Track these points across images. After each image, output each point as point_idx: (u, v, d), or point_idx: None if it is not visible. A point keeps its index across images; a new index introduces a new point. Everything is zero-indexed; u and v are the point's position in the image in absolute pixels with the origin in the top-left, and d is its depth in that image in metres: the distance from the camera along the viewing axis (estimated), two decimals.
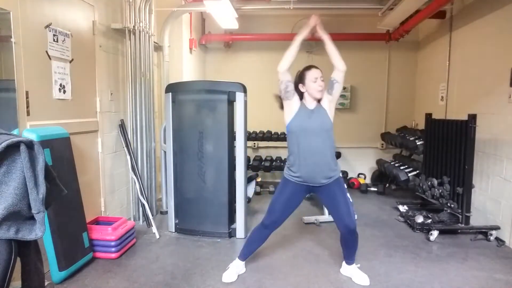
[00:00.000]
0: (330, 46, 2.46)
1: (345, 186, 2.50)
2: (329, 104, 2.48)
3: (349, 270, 2.69)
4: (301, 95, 2.50)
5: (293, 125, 2.45)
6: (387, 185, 5.52)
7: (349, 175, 5.84)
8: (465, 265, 2.91)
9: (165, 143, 3.81)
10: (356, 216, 4.02)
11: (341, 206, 2.49)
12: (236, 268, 2.70)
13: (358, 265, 2.69)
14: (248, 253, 2.73)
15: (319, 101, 2.48)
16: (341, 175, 2.57)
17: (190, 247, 3.24)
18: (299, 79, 2.48)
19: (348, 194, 2.61)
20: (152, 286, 2.52)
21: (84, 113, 3.10)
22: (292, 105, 2.47)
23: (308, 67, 2.49)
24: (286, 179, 2.55)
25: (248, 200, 3.91)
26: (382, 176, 5.63)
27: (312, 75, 2.44)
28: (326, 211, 3.96)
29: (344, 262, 2.73)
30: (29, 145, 1.46)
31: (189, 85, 3.75)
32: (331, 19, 5.69)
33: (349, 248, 2.64)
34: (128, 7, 3.62)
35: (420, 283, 2.60)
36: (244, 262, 2.75)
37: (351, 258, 2.67)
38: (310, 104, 2.48)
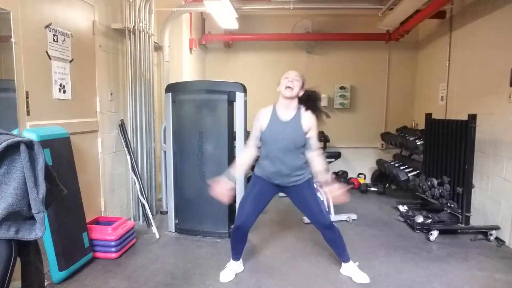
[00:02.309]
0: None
1: (315, 186, 2.54)
2: (309, 130, 2.44)
3: (349, 269, 2.69)
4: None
5: (265, 136, 2.45)
6: (387, 185, 5.52)
7: (349, 175, 5.84)
8: (465, 265, 2.91)
9: (165, 143, 3.81)
10: (355, 216, 4.05)
11: (311, 205, 2.52)
12: (233, 267, 2.71)
13: (357, 263, 2.70)
14: (237, 254, 2.72)
15: (300, 115, 2.44)
16: (310, 175, 2.57)
17: (190, 247, 3.24)
18: (278, 83, 2.48)
19: (317, 194, 2.63)
20: (152, 286, 2.52)
21: (84, 113, 3.10)
22: (262, 121, 2.46)
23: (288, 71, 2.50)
24: (256, 176, 2.57)
25: None
26: (382, 176, 5.63)
27: (285, 74, 2.44)
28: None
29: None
30: (29, 145, 1.46)
31: (189, 85, 3.75)
32: (331, 19, 5.70)
33: (335, 245, 2.66)
34: (128, 7, 3.63)
35: (420, 283, 2.60)
36: (239, 261, 2.75)
37: (344, 255, 2.68)
38: (285, 112, 2.44)
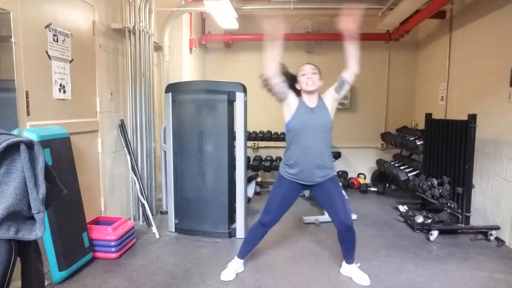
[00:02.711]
0: (352, 47, 2.40)
1: (340, 184, 2.52)
2: (332, 102, 2.49)
3: (349, 270, 2.69)
4: (299, 92, 2.50)
5: (293, 123, 2.45)
6: (387, 185, 5.52)
7: (349, 175, 5.84)
8: (465, 265, 2.91)
9: (165, 143, 3.81)
10: (355, 216, 4.05)
11: (337, 203, 2.50)
12: (234, 266, 2.71)
13: (358, 265, 2.69)
14: (247, 252, 2.74)
15: (321, 98, 2.47)
16: (335, 173, 2.58)
17: (190, 247, 3.24)
18: (296, 79, 2.49)
19: (343, 191, 2.62)
20: (152, 286, 2.52)
21: (84, 113, 3.10)
22: (290, 103, 2.46)
23: (303, 65, 2.51)
24: (281, 177, 2.56)
25: (248, 200, 3.91)
26: (382, 176, 5.63)
27: (302, 70, 2.46)
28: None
29: (344, 262, 2.73)
30: (29, 145, 1.46)
31: (189, 85, 3.75)
32: (331, 19, 5.68)
33: (347, 246, 2.65)
34: (128, 7, 3.63)
35: (420, 283, 2.60)
36: (242, 260, 2.76)
37: (351, 257, 2.68)
38: (310, 101, 2.47)
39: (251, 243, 2.72)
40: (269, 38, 2.35)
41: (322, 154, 2.44)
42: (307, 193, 2.61)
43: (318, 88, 2.47)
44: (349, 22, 2.29)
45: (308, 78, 2.41)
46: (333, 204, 2.52)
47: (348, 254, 2.67)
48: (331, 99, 2.48)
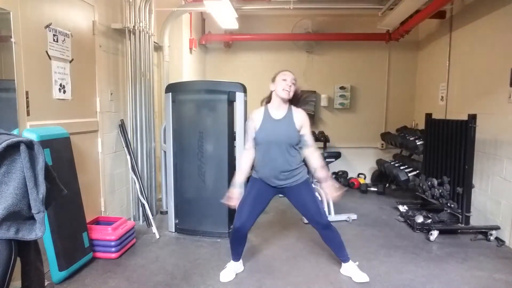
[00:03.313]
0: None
1: (313, 186, 2.56)
2: (301, 128, 2.48)
3: (348, 269, 2.69)
4: (269, 99, 2.52)
5: (258, 136, 2.48)
6: (387, 185, 5.52)
7: (349, 175, 5.84)
8: (465, 265, 2.91)
9: (165, 143, 3.81)
10: (355, 216, 4.05)
11: (309, 205, 2.53)
12: (233, 267, 2.71)
13: (357, 263, 2.70)
14: (237, 254, 2.73)
15: (292, 113, 2.47)
16: (307, 176, 2.58)
17: (190, 247, 3.24)
18: (272, 79, 2.50)
19: (316, 193, 2.63)
20: (152, 286, 2.52)
21: (84, 113, 3.10)
22: (256, 124, 2.49)
23: (284, 70, 2.51)
24: (253, 178, 2.59)
25: None
26: (382, 176, 5.63)
27: (283, 75, 2.46)
28: (326, 211, 3.97)
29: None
30: (29, 145, 1.46)
31: (189, 85, 3.75)
32: (331, 19, 5.70)
33: (334, 244, 2.66)
34: (128, 7, 3.63)
35: (420, 283, 2.60)
36: (239, 261, 2.75)
37: (343, 255, 2.68)
38: (278, 111, 2.48)
39: (237, 247, 2.70)
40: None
41: (285, 164, 2.45)
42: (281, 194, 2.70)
43: (290, 98, 2.48)
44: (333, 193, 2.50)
45: (287, 85, 2.42)
46: (305, 206, 2.56)
47: (339, 253, 2.68)
48: (300, 125, 2.47)
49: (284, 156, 2.44)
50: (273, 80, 2.50)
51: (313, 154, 2.50)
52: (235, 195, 2.51)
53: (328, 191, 2.51)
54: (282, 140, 2.43)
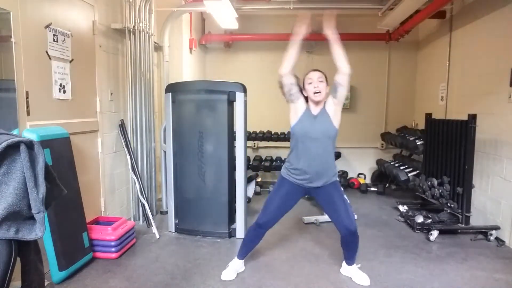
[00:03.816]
0: (336, 47, 2.39)
1: (342, 189, 2.50)
2: (335, 107, 2.43)
3: (349, 270, 2.69)
4: (306, 98, 2.48)
5: (296, 129, 2.44)
6: (387, 185, 5.52)
7: (349, 175, 5.84)
8: (465, 265, 2.91)
9: (165, 143, 3.81)
10: (356, 216, 4.04)
11: (340, 208, 2.47)
12: (235, 266, 2.71)
13: (359, 265, 2.69)
14: (246, 252, 2.73)
15: (324, 105, 2.45)
16: (337, 179, 2.56)
17: (190, 247, 3.24)
18: (302, 84, 2.47)
19: (345, 196, 2.59)
20: (152, 286, 2.52)
21: (84, 113, 3.10)
22: (297, 108, 2.44)
23: (309, 71, 2.48)
24: (283, 178, 2.54)
25: (248, 200, 3.91)
26: (382, 176, 5.63)
27: (308, 78, 2.43)
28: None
29: (344, 262, 2.73)
30: (29, 145, 1.46)
31: (189, 85, 3.75)
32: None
33: (350, 249, 2.64)
34: (128, 7, 3.63)
35: (420, 283, 2.60)
36: (243, 260, 2.76)
37: (352, 259, 2.67)
38: (314, 109, 2.45)
39: (249, 244, 2.71)
40: (295, 36, 2.38)
41: (323, 161, 2.42)
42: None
43: (324, 97, 2.43)
44: (329, 22, 2.38)
45: (315, 87, 2.38)
46: (336, 209, 2.49)
47: (350, 257, 2.67)
48: (331, 104, 2.43)
49: (321, 153, 2.40)
50: (303, 84, 2.45)
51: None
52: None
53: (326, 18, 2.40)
54: (320, 135, 2.39)
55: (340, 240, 2.62)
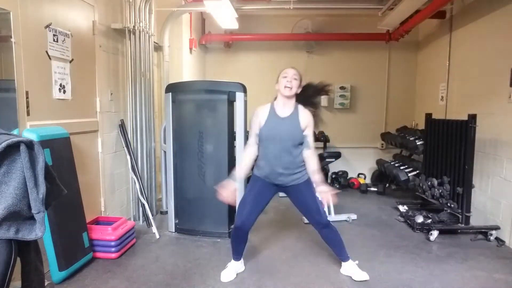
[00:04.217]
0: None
1: (313, 186, 2.55)
2: (306, 128, 2.47)
3: (348, 268, 2.69)
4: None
5: (262, 133, 2.48)
6: (387, 185, 5.52)
7: (349, 175, 5.84)
8: (465, 265, 2.91)
9: (165, 143, 3.81)
10: (355, 216, 4.05)
11: (309, 204, 2.54)
12: (234, 267, 2.71)
13: (357, 262, 2.70)
14: (238, 254, 2.73)
15: (297, 112, 2.47)
16: (308, 177, 2.56)
17: (190, 247, 3.24)
18: (277, 80, 2.50)
19: (316, 194, 2.62)
20: (152, 286, 2.52)
21: (84, 113, 3.10)
22: (261, 121, 2.48)
23: (287, 68, 2.51)
24: (255, 176, 2.58)
25: None
26: (382, 176, 5.63)
27: (284, 73, 2.46)
28: (326, 211, 3.96)
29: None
30: (29, 145, 1.46)
31: (189, 85, 3.75)
32: (331, 19, 5.70)
33: (333, 243, 2.67)
34: (128, 7, 3.63)
35: (420, 283, 2.60)
36: (241, 261, 2.76)
37: (342, 254, 2.69)
38: (283, 109, 2.47)
39: (237, 247, 2.70)
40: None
41: (288, 163, 2.45)
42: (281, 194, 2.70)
43: (294, 95, 2.47)
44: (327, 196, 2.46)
45: (287, 81, 2.42)
46: (306, 206, 2.56)
47: (339, 252, 2.69)
48: (305, 125, 2.46)
49: (287, 155, 2.44)
50: (277, 80, 2.50)
51: (311, 158, 2.49)
52: (230, 188, 2.47)
53: (322, 196, 2.49)
54: (286, 139, 2.43)
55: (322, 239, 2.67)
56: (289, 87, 2.41)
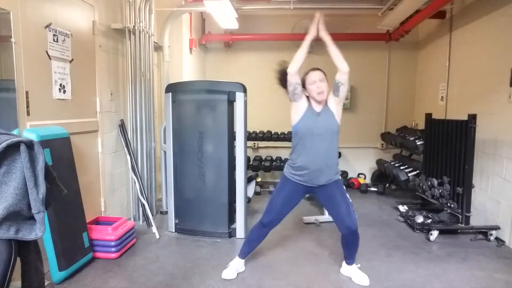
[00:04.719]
0: (331, 48, 2.42)
1: (344, 187, 2.51)
2: (336, 106, 2.47)
3: (349, 270, 2.69)
4: (307, 97, 2.49)
5: (300, 127, 2.45)
6: (387, 185, 5.52)
7: (349, 175, 5.84)
8: (465, 265, 2.91)
9: (165, 143, 3.81)
10: (356, 215, 4.04)
11: (341, 207, 2.49)
12: (236, 266, 2.71)
13: (359, 265, 2.69)
14: (248, 251, 2.74)
15: (326, 102, 2.47)
16: (340, 177, 2.57)
17: (190, 247, 3.24)
18: (302, 84, 2.47)
19: (347, 195, 2.61)
20: (152, 286, 2.52)
21: (84, 113, 3.10)
22: (299, 107, 2.45)
23: (309, 71, 2.49)
24: (286, 178, 2.55)
25: (248, 200, 3.91)
26: (382, 176, 5.63)
27: (310, 78, 2.44)
28: (326, 211, 3.96)
29: (344, 262, 2.73)
30: (29, 145, 1.46)
31: (189, 85, 3.75)
32: (331, 19, 5.67)
33: (350, 249, 2.64)
34: (128, 7, 3.63)
35: (420, 283, 2.60)
36: (244, 260, 2.76)
37: (352, 259, 2.68)
38: (317, 106, 2.46)
39: (252, 243, 2.72)
40: (309, 36, 2.45)
41: (327, 157, 2.44)
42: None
43: (327, 93, 2.45)
44: (320, 24, 2.43)
45: (318, 87, 2.40)
46: (337, 208, 2.51)
47: (350, 256, 2.67)
48: (333, 102, 2.47)
49: (325, 149, 2.41)
50: (303, 83, 2.45)
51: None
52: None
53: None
54: (323, 129, 2.40)
55: (340, 239, 2.63)
56: (321, 92, 2.40)
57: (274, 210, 2.57)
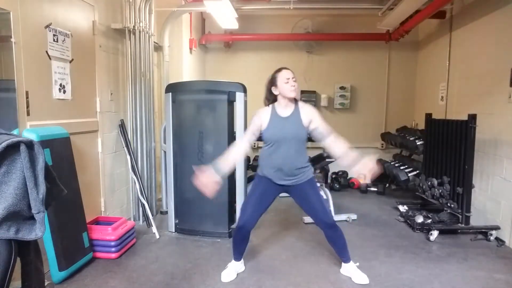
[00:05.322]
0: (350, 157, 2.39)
1: (317, 185, 2.53)
2: (309, 125, 2.45)
3: (349, 269, 2.69)
4: (274, 99, 2.50)
5: (267, 134, 2.47)
6: (387, 185, 5.52)
7: (349, 175, 5.83)
8: (465, 265, 2.91)
9: (165, 143, 3.81)
10: (355, 216, 4.05)
11: (315, 204, 2.52)
12: (234, 267, 2.71)
13: (357, 264, 2.70)
14: (239, 254, 2.73)
15: (297, 107, 2.47)
16: (313, 174, 2.57)
17: (190, 247, 3.24)
18: (271, 83, 2.48)
19: (321, 192, 2.60)
20: (152, 286, 2.52)
21: (84, 113, 3.10)
22: (263, 122, 2.47)
23: (279, 70, 2.49)
24: (258, 176, 2.57)
25: None
26: (382, 176, 5.62)
27: (283, 76, 2.43)
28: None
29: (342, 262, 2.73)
30: (29, 145, 1.46)
31: (189, 85, 3.75)
32: (331, 19, 5.70)
33: (337, 244, 2.66)
34: (128, 7, 3.63)
35: (420, 283, 2.60)
36: (242, 261, 2.76)
37: (345, 255, 2.68)
38: (285, 109, 2.47)
39: (239, 246, 2.70)
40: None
41: (293, 161, 2.45)
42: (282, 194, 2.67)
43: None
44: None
45: (292, 85, 2.41)
46: (311, 205, 2.54)
47: (341, 253, 2.68)
48: (308, 120, 2.45)
49: (292, 154, 2.43)
50: (272, 83, 2.46)
51: (335, 142, 2.41)
52: (210, 177, 2.29)
53: (366, 171, 2.36)
54: (291, 137, 2.42)
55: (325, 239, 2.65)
56: (294, 90, 2.41)
57: (248, 210, 2.54)
